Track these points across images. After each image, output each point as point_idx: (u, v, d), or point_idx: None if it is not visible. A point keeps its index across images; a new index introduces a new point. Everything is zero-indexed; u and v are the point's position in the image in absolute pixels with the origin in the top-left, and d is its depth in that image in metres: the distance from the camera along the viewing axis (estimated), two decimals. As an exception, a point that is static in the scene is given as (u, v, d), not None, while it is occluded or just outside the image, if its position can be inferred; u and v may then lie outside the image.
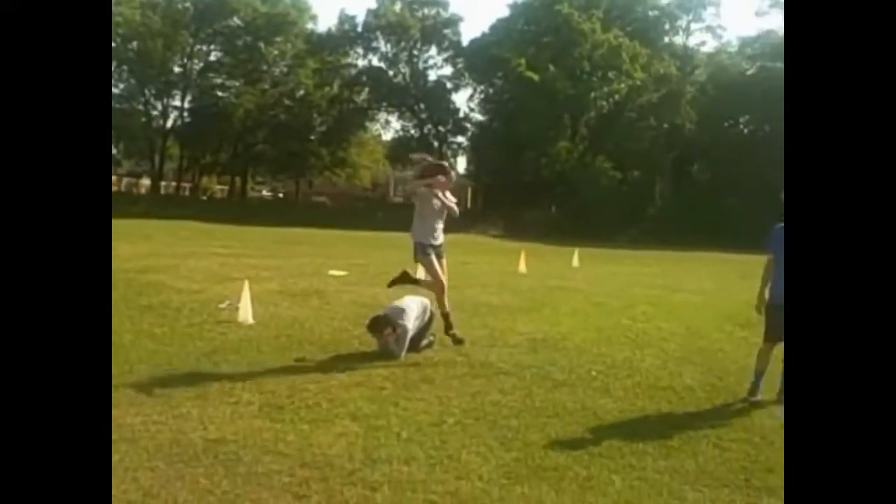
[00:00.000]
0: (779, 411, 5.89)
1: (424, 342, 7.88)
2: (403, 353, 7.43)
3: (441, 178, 7.84)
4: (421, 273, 8.38)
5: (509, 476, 4.48)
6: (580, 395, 6.46)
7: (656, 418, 5.92)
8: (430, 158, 8.57)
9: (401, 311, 7.52)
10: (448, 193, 7.85)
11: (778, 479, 4.59)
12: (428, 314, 7.91)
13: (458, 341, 7.84)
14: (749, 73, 53.02)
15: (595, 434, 5.40)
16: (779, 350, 6.65)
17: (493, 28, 56.73)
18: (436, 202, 7.75)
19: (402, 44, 58.75)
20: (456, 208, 7.90)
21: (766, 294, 6.61)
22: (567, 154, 53.01)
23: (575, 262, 21.40)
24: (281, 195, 71.97)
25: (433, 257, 7.71)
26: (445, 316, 7.85)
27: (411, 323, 7.54)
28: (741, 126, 53.98)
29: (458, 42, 59.41)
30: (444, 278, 7.76)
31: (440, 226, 7.83)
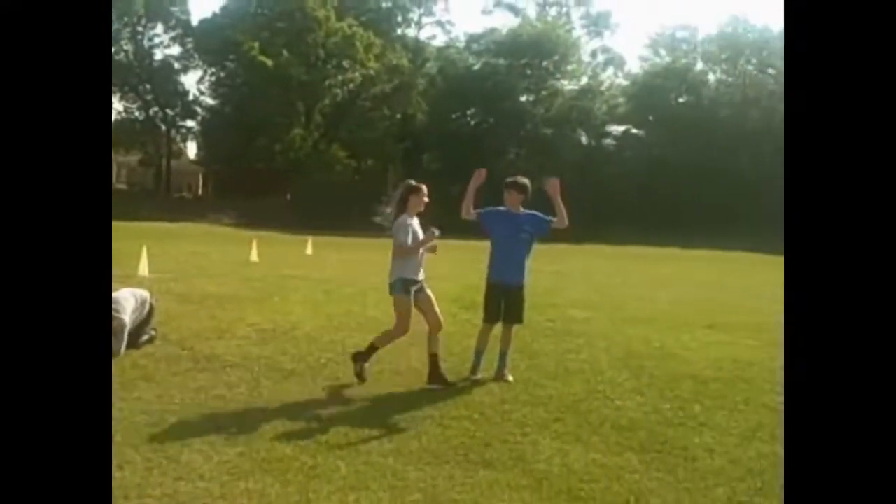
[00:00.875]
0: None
1: (144, 337, 7.41)
2: (122, 349, 6.93)
3: (422, 199, 6.80)
4: None
5: (232, 472, 4.34)
6: (309, 385, 6.43)
7: (384, 402, 6.04)
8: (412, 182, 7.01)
9: (116, 305, 7.00)
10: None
11: (494, 453, 4.88)
12: (147, 308, 7.45)
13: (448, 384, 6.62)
14: (475, 68, 55.86)
15: (322, 423, 5.39)
16: (497, 329, 7.09)
17: (225, 9, 54.64)
18: (418, 231, 6.75)
19: (125, 18, 54.77)
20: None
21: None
22: (301, 141, 52.55)
23: (308, 250, 21.30)
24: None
25: (412, 296, 6.69)
26: (434, 357, 6.72)
27: (128, 316, 7.05)
28: (468, 118, 56.74)
29: (188, 21, 56.51)
30: (438, 316, 6.86)
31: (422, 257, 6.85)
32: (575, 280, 17.45)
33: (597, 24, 59.84)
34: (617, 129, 55.65)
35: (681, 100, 52.66)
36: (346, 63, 53.66)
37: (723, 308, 12.91)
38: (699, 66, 54.94)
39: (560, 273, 18.02)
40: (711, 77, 54.91)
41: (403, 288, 6.65)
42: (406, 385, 6.58)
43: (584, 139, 54.53)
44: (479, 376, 6.84)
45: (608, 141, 55.70)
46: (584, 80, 56.23)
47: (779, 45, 51.75)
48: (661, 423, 5.71)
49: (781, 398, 6.46)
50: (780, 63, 50.00)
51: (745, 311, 12.56)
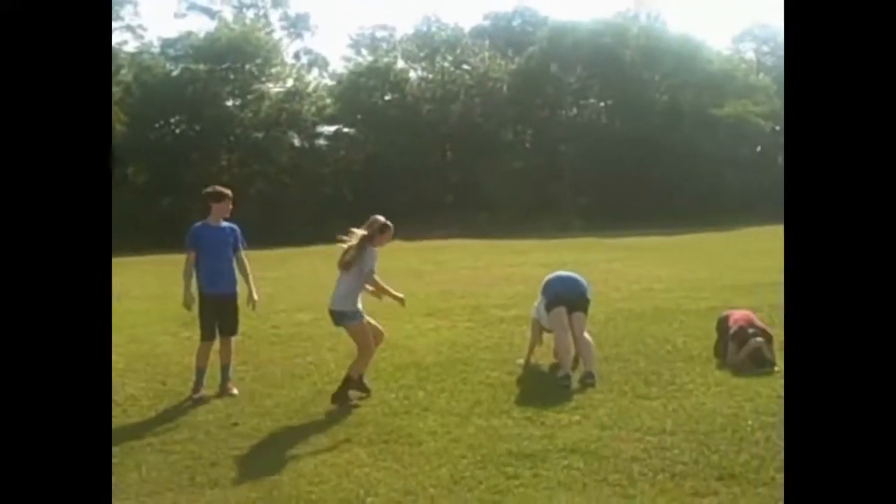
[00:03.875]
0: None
1: None
2: None
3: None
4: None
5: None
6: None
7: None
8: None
9: None
10: None
11: (222, 471, 4.75)
12: None
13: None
14: (174, 74, 53.35)
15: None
16: (218, 345, 6.88)
17: None
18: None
19: None
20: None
21: (195, 290, 6.77)
22: None
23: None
24: None
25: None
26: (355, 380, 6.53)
27: None
28: (172, 126, 54.13)
29: None
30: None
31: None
32: (300, 283, 17.36)
33: (296, 25, 59.78)
34: (328, 129, 56.11)
35: (387, 98, 54.25)
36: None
37: (441, 295, 13.53)
38: (400, 64, 56.91)
39: (283, 278, 17.84)
40: (413, 75, 57.13)
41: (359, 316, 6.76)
42: (125, 417, 6.16)
43: (296, 141, 54.30)
44: (201, 394, 6.60)
45: (321, 141, 55.96)
46: (290, 82, 55.89)
47: (470, 41, 55.17)
48: (387, 414, 5.88)
49: (497, 373, 6.96)
50: (473, 59, 53.39)
51: (459, 295, 13.26)
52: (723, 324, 7.29)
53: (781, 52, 68.68)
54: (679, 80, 51.52)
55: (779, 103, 55.46)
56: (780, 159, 62.19)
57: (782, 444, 4.79)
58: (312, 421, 5.77)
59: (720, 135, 49.94)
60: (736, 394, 6.01)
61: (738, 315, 7.27)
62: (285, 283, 16.91)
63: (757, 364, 6.64)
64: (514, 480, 4.41)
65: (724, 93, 51.69)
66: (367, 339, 6.71)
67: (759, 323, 7.14)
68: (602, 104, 52.79)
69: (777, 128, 58.78)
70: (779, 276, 12.71)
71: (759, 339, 6.78)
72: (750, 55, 68.45)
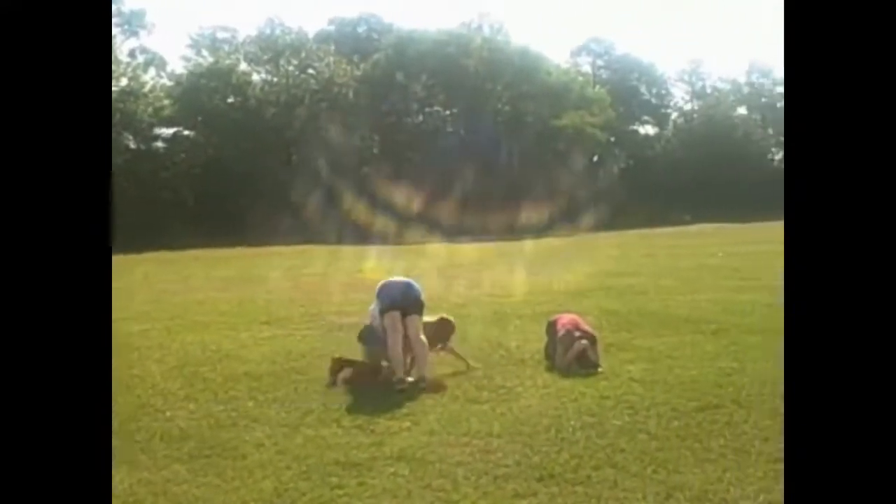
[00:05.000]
0: None
1: None
2: None
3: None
4: None
5: None
6: None
7: None
8: None
9: None
10: None
11: None
12: None
13: None
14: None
15: None
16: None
17: None
18: None
19: None
20: None
21: None
22: None
23: None
24: None
25: None
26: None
27: None
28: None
29: None
30: None
31: None
32: (132, 291, 16.52)
33: (131, 22, 57.00)
34: (167, 131, 53.87)
35: (229, 100, 52.76)
36: None
37: (281, 303, 13.27)
38: (243, 66, 55.53)
39: (116, 288, 16.89)
40: (256, 77, 55.88)
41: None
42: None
43: (131, 143, 51.83)
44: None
45: (158, 144, 53.68)
46: (125, 82, 53.32)
47: (315, 46, 54.60)
48: (213, 427, 5.67)
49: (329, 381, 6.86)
50: (318, 64, 52.84)
51: (300, 303, 13.05)
52: (551, 327, 7.53)
53: (616, 66, 72.60)
54: (520, 91, 53.24)
55: (613, 114, 58.54)
56: (617, 169, 65.63)
57: (600, 442, 5.02)
58: (133, 437, 5.46)
59: (559, 145, 52.01)
60: (561, 395, 6.21)
61: (565, 319, 7.53)
62: (118, 292, 16.01)
63: (582, 366, 6.90)
64: (339, 490, 4.35)
65: (563, 104, 53.89)
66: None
67: (584, 326, 7.43)
68: (447, 112, 53.75)
69: (612, 138, 61.95)
70: (613, 281, 13.36)
71: (585, 341, 7.05)
72: (586, 68, 71.79)
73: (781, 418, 5.37)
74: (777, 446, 4.79)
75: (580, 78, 62.22)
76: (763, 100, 75.38)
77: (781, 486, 4.14)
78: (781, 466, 4.48)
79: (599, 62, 73.49)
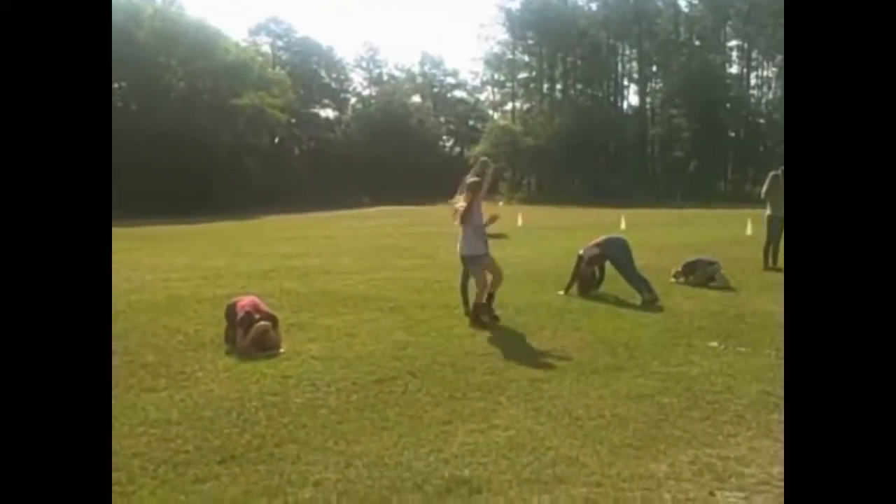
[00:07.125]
0: None
1: None
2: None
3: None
4: None
5: None
6: None
7: None
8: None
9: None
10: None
11: None
12: None
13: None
14: None
15: None
16: None
17: None
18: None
19: None
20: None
21: None
22: None
23: None
24: None
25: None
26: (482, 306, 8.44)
27: None
28: None
29: None
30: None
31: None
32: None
33: None
34: None
35: None
36: None
37: None
38: None
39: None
40: None
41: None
42: None
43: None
44: None
45: None
46: None
47: None
48: None
49: None
50: None
51: None
52: (231, 310, 7.44)
53: (296, 48, 72.65)
54: (196, 67, 51.19)
55: (293, 96, 58.56)
56: (298, 150, 65.76)
57: (283, 420, 5.11)
58: None
59: (239, 125, 50.90)
60: (243, 378, 6.19)
61: (244, 301, 7.48)
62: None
63: (261, 348, 6.92)
64: None
65: (243, 83, 52.79)
66: (482, 276, 8.48)
67: (264, 307, 7.44)
68: (117, 86, 50.00)
69: (293, 120, 62.03)
70: (295, 262, 13.42)
71: (264, 322, 7.07)
72: (266, 49, 70.92)
73: (450, 384, 5.88)
74: (447, 409, 5.24)
75: (259, 58, 61.33)
76: (434, 89, 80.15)
77: (453, 447, 4.56)
78: (451, 427, 4.93)
79: (280, 43, 73.03)
